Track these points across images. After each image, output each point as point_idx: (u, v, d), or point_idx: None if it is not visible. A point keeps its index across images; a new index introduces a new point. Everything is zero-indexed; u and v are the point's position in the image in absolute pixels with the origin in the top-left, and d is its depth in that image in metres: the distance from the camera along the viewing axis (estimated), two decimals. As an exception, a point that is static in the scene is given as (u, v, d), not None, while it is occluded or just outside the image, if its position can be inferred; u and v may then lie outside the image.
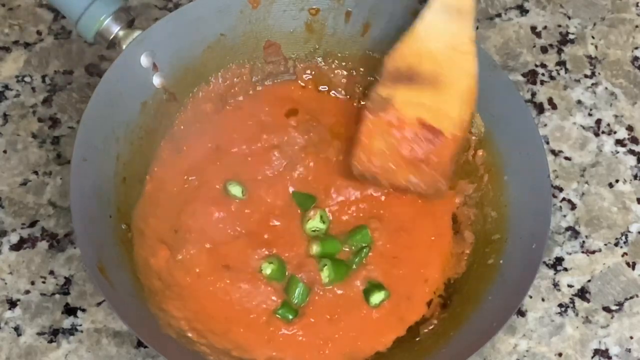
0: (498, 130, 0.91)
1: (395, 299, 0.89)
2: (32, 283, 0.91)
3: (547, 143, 0.99)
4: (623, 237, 0.95)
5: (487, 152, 0.92)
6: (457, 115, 0.87)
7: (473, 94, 0.87)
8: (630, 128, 1.00)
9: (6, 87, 0.99)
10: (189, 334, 0.85)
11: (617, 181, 0.98)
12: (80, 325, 0.89)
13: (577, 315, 0.92)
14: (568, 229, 0.95)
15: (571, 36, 1.05)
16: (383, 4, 0.93)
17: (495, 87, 0.91)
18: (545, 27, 1.05)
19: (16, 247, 0.92)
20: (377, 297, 0.88)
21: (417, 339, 0.87)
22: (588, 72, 1.03)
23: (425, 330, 0.88)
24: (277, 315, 0.87)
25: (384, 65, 0.88)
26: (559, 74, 1.02)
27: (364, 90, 0.96)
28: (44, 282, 0.91)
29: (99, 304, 0.90)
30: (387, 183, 0.91)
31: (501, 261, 0.87)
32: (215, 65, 0.94)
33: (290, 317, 0.87)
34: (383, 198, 0.92)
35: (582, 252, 0.95)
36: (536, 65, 1.03)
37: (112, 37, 0.90)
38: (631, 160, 0.99)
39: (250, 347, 0.87)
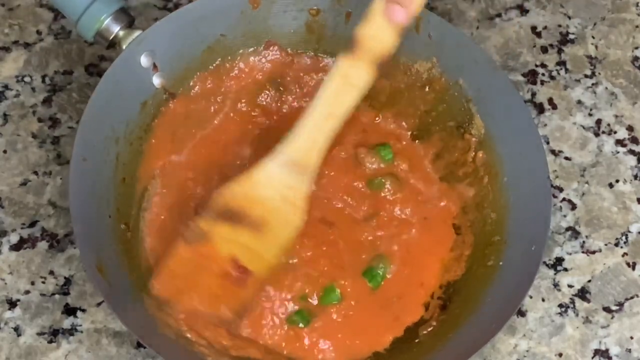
0: (498, 131, 0.91)
1: (387, 295, 0.89)
2: (32, 283, 0.91)
3: (547, 143, 0.99)
4: (623, 237, 0.95)
5: (487, 153, 0.92)
6: (272, 259, 0.86)
7: (290, 242, 0.86)
8: (630, 128, 1.00)
9: (6, 87, 0.99)
10: (188, 335, 0.85)
11: (617, 181, 0.98)
12: (80, 325, 0.89)
13: (577, 315, 0.92)
14: (568, 229, 0.95)
15: (571, 36, 1.05)
16: None
17: (496, 88, 0.91)
18: (545, 27, 1.05)
19: (16, 247, 0.92)
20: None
21: (416, 341, 0.87)
22: (588, 72, 1.03)
23: (424, 332, 0.87)
24: (289, 322, 0.87)
25: (211, 199, 0.85)
26: (559, 74, 1.02)
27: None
28: (44, 282, 0.91)
29: (99, 304, 0.90)
30: (179, 306, 0.86)
31: (501, 263, 0.87)
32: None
33: (302, 325, 0.87)
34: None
35: (582, 252, 0.94)
36: (536, 65, 1.03)
37: (112, 37, 0.90)
38: (631, 160, 0.99)
39: (250, 345, 0.87)
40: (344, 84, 0.82)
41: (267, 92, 0.96)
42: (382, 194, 0.93)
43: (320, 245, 0.90)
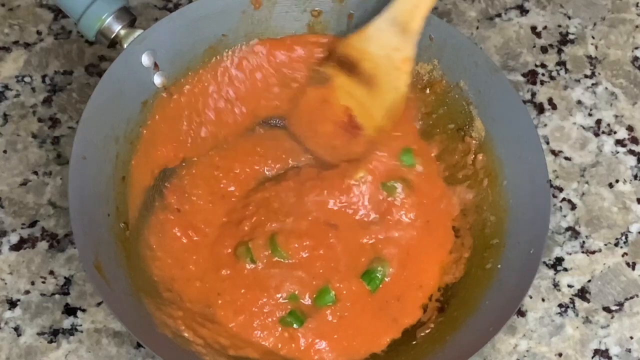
0: (498, 134, 0.91)
1: (385, 297, 0.89)
2: (32, 283, 0.91)
3: (547, 143, 0.99)
4: (623, 237, 0.95)
5: (487, 156, 0.92)
6: (379, 120, 0.91)
7: (398, 109, 0.91)
8: (630, 128, 1.00)
9: (6, 87, 0.99)
10: (186, 334, 0.85)
11: (617, 181, 0.98)
12: (80, 325, 0.89)
13: (577, 315, 0.92)
14: (568, 229, 0.96)
15: (571, 36, 1.05)
16: (384, 6, 0.93)
17: (496, 91, 0.91)
18: (545, 27, 1.05)
19: (16, 247, 0.92)
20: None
21: (414, 343, 0.87)
22: (588, 72, 1.03)
23: (422, 334, 0.87)
24: (282, 324, 0.87)
25: (335, 46, 0.92)
26: (559, 74, 1.03)
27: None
28: (44, 282, 0.91)
29: (99, 304, 0.90)
30: (308, 143, 0.94)
31: (499, 266, 0.87)
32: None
33: (296, 325, 0.87)
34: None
35: (582, 252, 0.95)
36: (536, 65, 1.03)
37: (113, 36, 0.90)
38: (631, 160, 0.99)
39: (248, 344, 0.87)
40: None
41: (268, 92, 0.96)
42: (391, 198, 0.92)
43: (319, 247, 0.90)
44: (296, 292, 0.88)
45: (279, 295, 0.88)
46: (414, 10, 0.88)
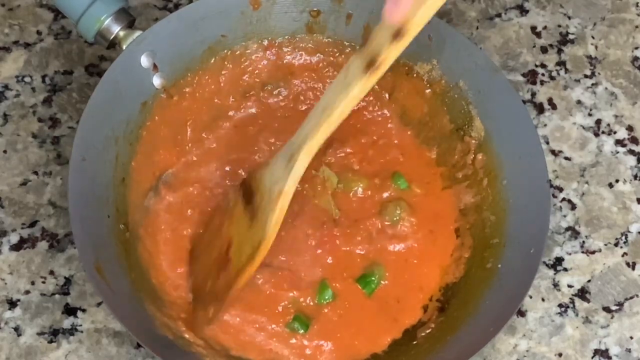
0: (498, 134, 0.91)
1: (385, 298, 0.90)
2: (32, 283, 0.91)
3: (547, 143, 0.99)
4: (623, 237, 0.95)
5: (486, 156, 0.92)
6: (243, 260, 0.84)
7: (261, 253, 0.83)
8: (630, 128, 1.00)
9: (6, 87, 0.99)
10: (186, 335, 0.85)
11: (617, 181, 0.98)
12: (80, 325, 0.89)
13: (577, 315, 0.92)
14: (568, 229, 0.95)
15: (571, 36, 1.05)
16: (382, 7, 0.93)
17: (496, 91, 0.91)
18: (545, 27, 1.05)
19: (16, 247, 0.92)
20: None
21: (414, 343, 0.87)
22: (588, 72, 1.03)
23: (422, 334, 0.87)
24: (289, 329, 0.87)
25: (247, 174, 0.88)
26: (559, 74, 1.02)
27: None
28: (44, 282, 0.91)
29: (99, 304, 0.90)
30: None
31: (499, 266, 0.87)
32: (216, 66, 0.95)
33: (302, 331, 0.88)
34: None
35: (582, 252, 0.95)
36: (536, 65, 1.03)
37: (112, 37, 0.90)
38: (631, 160, 0.99)
39: (248, 346, 0.87)
40: (343, 80, 0.79)
41: (268, 92, 0.96)
42: (390, 223, 0.93)
43: (318, 247, 0.90)
44: (295, 294, 0.88)
45: (280, 305, 0.89)
46: (302, 141, 0.80)
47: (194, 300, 0.88)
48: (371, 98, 0.97)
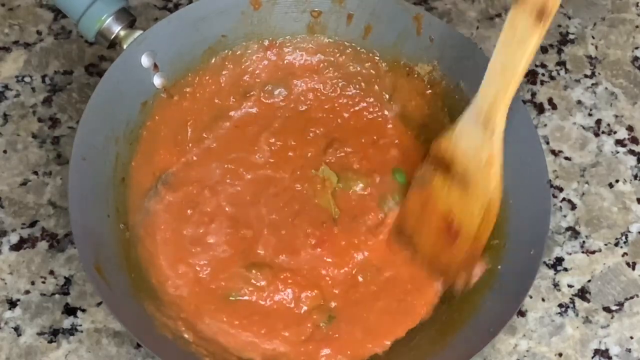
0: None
1: (386, 298, 0.90)
2: (32, 283, 0.91)
3: (547, 143, 0.99)
4: (623, 237, 0.95)
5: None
6: (474, 227, 0.87)
7: (492, 212, 0.86)
8: (630, 128, 1.00)
9: (6, 87, 0.99)
10: (186, 335, 0.85)
11: (617, 181, 0.98)
12: (80, 325, 0.89)
13: (577, 315, 0.92)
14: (568, 229, 0.95)
15: (571, 36, 1.05)
16: (384, 7, 0.93)
17: None
18: (545, 27, 1.05)
19: (16, 247, 0.92)
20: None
21: (414, 343, 0.87)
22: (588, 72, 1.03)
23: (423, 335, 0.88)
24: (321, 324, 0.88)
25: (431, 147, 0.88)
26: (559, 74, 1.02)
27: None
28: (44, 282, 0.91)
29: (99, 304, 0.90)
30: (417, 249, 0.91)
31: (499, 267, 0.87)
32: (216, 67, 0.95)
33: (323, 324, 0.89)
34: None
35: (582, 252, 0.95)
36: (536, 65, 1.03)
37: (113, 36, 0.90)
38: (631, 160, 0.99)
39: (249, 346, 0.87)
40: (513, 37, 0.80)
41: (269, 92, 0.96)
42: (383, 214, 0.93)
43: (318, 246, 0.91)
44: (296, 293, 0.89)
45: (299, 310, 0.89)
46: (492, 103, 0.83)
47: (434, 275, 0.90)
48: (372, 99, 0.97)
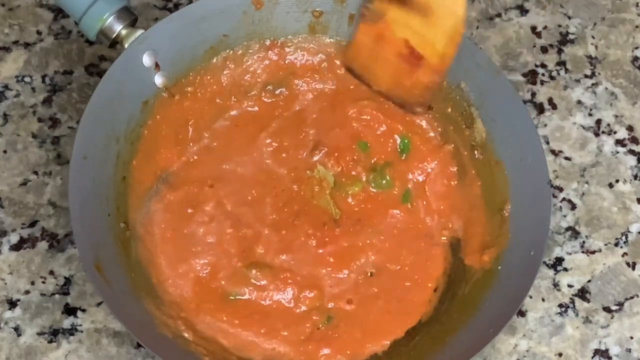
0: (499, 136, 0.91)
1: (386, 299, 0.90)
2: (32, 283, 0.90)
3: (547, 143, 0.99)
4: (623, 237, 0.95)
5: (487, 158, 0.92)
6: (441, 47, 0.87)
7: (458, 33, 0.86)
8: (630, 128, 1.00)
9: (6, 87, 0.99)
10: (185, 335, 0.85)
11: (617, 181, 0.98)
12: (80, 325, 0.89)
13: (577, 315, 0.92)
14: (568, 229, 0.96)
15: (571, 36, 1.05)
16: None
17: (497, 92, 0.91)
18: (545, 27, 1.05)
19: (16, 247, 0.92)
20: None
21: (413, 343, 0.87)
22: (588, 72, 1.03)
23: (422, 335, 0.88)
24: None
25: None
26: (559, 74, 1.03)
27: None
28: (44, 282, 0.91)
29: (99, 304, 0.90)
30: (372, 84, 0.91)
31: (499, 267, 0.87)
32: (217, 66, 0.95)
33: (324, 324, 0.89)
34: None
35: (582, 252, 0.95)
36: (536, 65, 1.03)
37: (114, 35, 0.90)
38: (631, 160, 0.99)
39: (249, 345, 0.87)
40: None
41: (270, 92, 0.96)
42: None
43: (319, 247, 0.91)
44: (296, 293, 0.89)
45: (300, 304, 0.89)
46: None
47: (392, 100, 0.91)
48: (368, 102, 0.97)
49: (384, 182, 0.94)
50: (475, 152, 0.92)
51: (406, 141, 0.95)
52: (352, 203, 0.93)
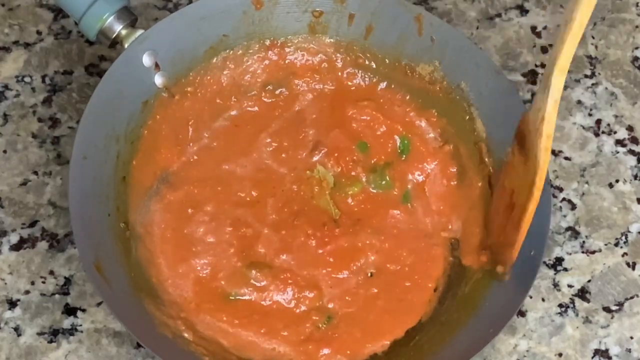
0: (498, 136, 0.91)
1: (386, 299, 0.90)
2: (32, 283, 0.90)
3: (547, 143, 0.99)
4: (623, 237, 0.95)
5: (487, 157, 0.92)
6: (525, 196, 0.82)
7: (540, 181, 0.81)
8: (630, 128, 1.00)
9: (6, 87, 0.99)
10: (185, 335, 0.85)
11: (617, 181, 0.98)
12: (80, 325, 0.89)
13: (577, 315, 0.92)
14: (568, 229, 0.96)
15: (571, 36, 1.05)
16: (386, 7, 0.93)
17: (497, 92, 0.91)
18: (545, 27, 1.05)
19: (16, 247, 0.92)
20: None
21: (413, 343, 0.87)
22: (588, 72, 1.03)
23: (422, 335, 0.88)
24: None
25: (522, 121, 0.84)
26: (559, 74, 1.03)
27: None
28: (44, 282, 0.91)
29: (99, 304, 0.90)
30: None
31: (499, 267, 0.87)
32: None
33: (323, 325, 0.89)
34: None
35: (582, 252, 0.95)
36: (536, 65, 1.03)
37: (114, 35, 0.90)
38: (631, 160, 0.99)
39: (249, 345, 0.87)
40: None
41: (270, 92, 0.96)
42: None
43: (319, 247, 0.91)
44: (295, 293, 0.89)
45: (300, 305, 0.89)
46: (552, 65, 0.79)
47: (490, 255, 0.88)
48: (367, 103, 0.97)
49: (383, 182, 0.94)
50: (475, 152, 0.92)
51: (406, 142, 0.95)
52: (352, 203, 0.93)
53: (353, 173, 0.94)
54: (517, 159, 0.84)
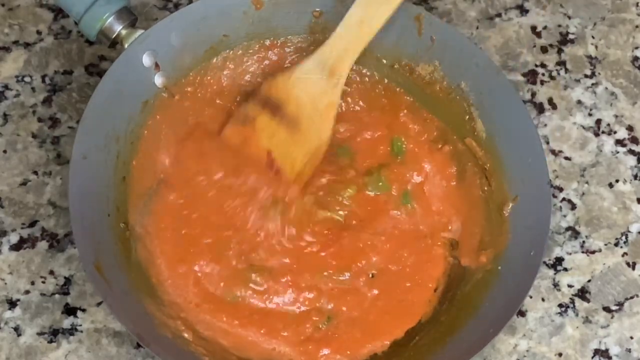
0: (499, 136, 0.91)
1: (386, 299, 0.90)
2: (32, 283, 0.90)
3: (547, 143, 0.99)
4: (623, 237, 0.95)
5: (487, 158, 0.92)
6: (299, 166, 0.89)
7: (319, 156, 0.89)
8: (630, 128, 1.00)
9: (6, 87, 0.99)
10: (185, 335, 0.85)
11: (617, 181, 0.98)
12: (80, 325, 0.89)
13: (577, 315, 0.92)
14: (568, 229, 0.96)
15: (571, 36, 1.05)
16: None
17: (497, 92, 0.91)
18: (545, 27, 1.05)
19: (16, 247, 0.92)
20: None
21: (413, 344, 0.87)
22: (588, 72, 1.03)
23: (422, 335, 0.88)
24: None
25: (259, 87, 0.91)
26: (559, 74, 1.03)
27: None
28: (44, 282, 0.91)
29: (99, 304, 0.90)
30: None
31: (499, 267, 0.87)
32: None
33: (322, 325, 0.89)
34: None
35: (582, 252, 0.95)
36: (536, 65, 1.03)
37: (114, 36, 0.90)
38: (631, 160, 0.99)
39: (249, 346, 0.87)
40: None
41: None
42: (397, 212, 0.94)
43: (321, 250, 0.91)
44: (292, 295, 0.89)
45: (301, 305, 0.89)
46: (343, 54, 0.88)
47: None
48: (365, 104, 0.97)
49: (380, 184, 0.93)
50: (475, 152, 0.92)
51: (399, 144, 0.94)
52: (352, 205, 0.93)
53: (347, 176, 0.94)
54: (267, 122, 0.90)
